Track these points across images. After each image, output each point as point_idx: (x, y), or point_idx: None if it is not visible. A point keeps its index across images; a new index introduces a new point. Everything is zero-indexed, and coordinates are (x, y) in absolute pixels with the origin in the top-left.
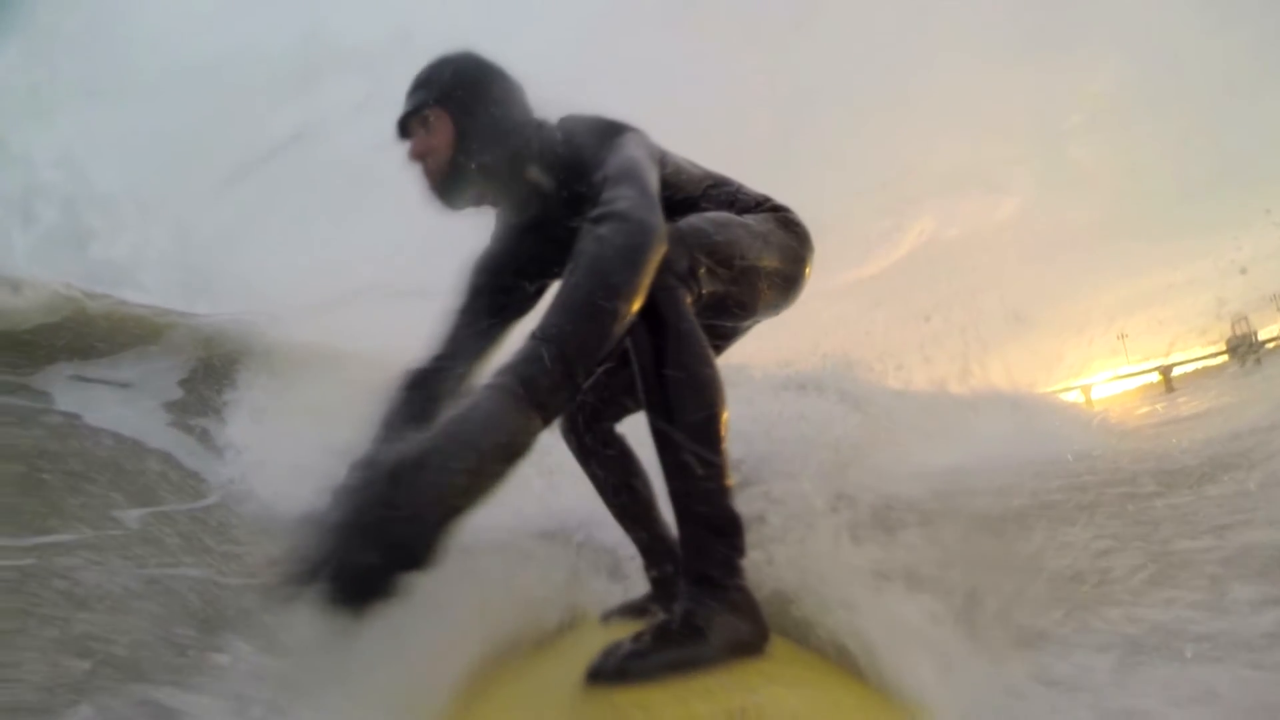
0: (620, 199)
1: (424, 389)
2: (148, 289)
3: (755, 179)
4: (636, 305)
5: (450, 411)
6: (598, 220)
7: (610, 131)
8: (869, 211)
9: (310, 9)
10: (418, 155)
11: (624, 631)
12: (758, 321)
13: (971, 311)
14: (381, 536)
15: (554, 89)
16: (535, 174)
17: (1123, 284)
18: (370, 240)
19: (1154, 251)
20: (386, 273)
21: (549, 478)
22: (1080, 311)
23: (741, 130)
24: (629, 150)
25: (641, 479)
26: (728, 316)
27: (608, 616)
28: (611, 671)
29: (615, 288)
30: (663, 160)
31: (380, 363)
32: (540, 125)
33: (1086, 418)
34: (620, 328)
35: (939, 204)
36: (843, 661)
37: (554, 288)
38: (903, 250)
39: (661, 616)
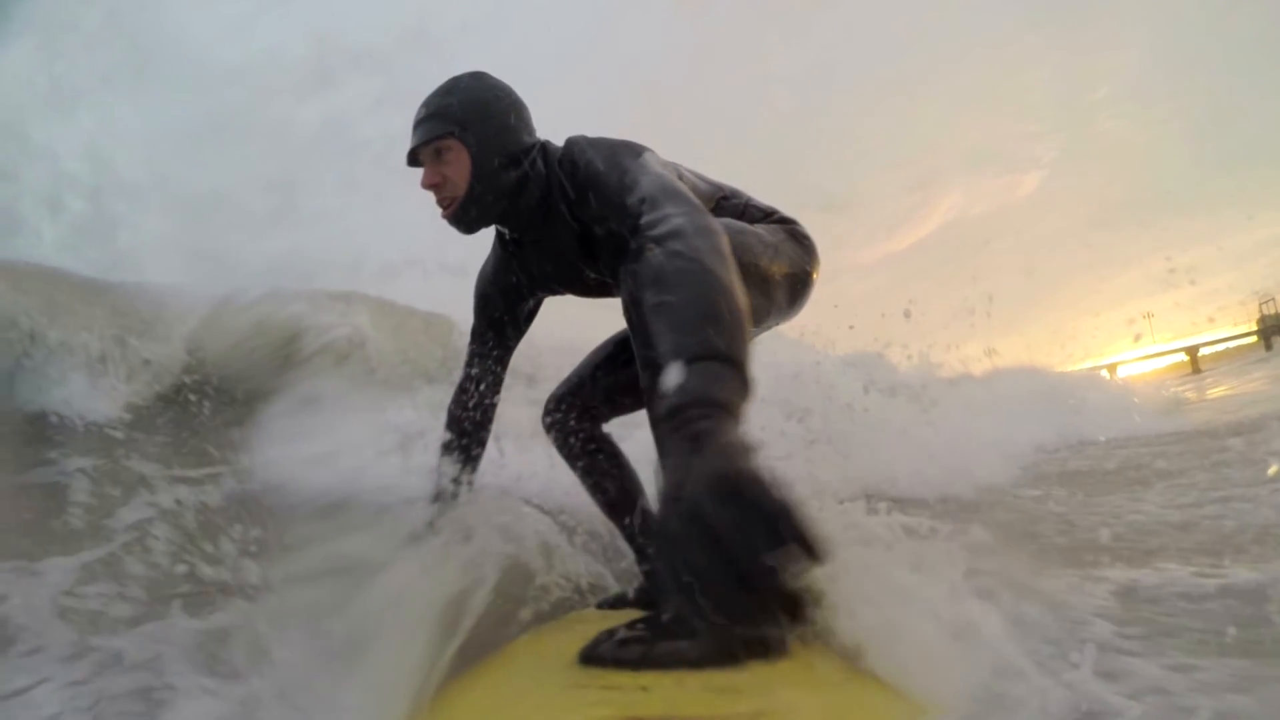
0: (672, 216)
1: (468, 416)
2: (176, 274)
3: (779, 155)
4: (743, 295)
5: (673, 458)
6: (659, 240)
7: (628, 152)
8: (897, 187)
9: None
10: (431, 186)
11: (619, 619)
12: (763, 331)
13: (999, 289)
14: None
15: (576, 72)
16: (545, 196)
17: (1151, 261)
18: (388, 223)
19: (1183, 228)
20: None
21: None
22: (1107, 289)
23: (765, 108)
24: (656, 169)
25: (628, 475)
26: None
27: (603, 604)
28: (605, 656)
29: (723, 283)
30: (679, 177)
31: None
32: (545, 146)
33: (1112, 397)
34: (747, 318)
35: (967, 179)
36: (860, 664)
37: (546, 302)
38: (931, 226)
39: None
